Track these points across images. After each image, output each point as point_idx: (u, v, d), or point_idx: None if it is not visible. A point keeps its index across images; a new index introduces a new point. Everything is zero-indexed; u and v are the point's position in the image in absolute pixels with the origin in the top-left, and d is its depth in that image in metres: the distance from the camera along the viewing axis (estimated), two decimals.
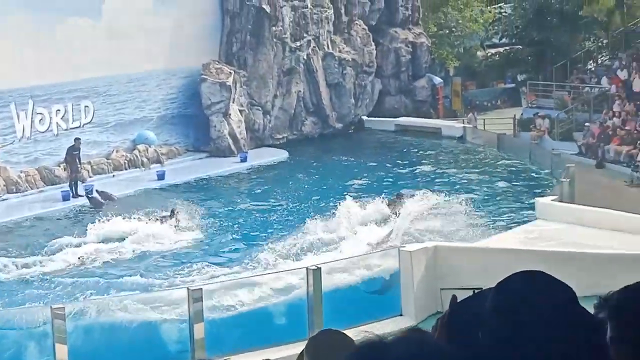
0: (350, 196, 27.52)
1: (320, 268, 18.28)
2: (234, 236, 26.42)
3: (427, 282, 19.38)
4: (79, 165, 31.64)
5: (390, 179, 32.52)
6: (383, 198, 27.89)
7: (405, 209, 26.48)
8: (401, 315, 19.40)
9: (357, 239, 24.93)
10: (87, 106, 34.22)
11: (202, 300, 16.69)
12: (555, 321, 2.16)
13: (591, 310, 2.84)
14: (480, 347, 2.20)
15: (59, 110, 33.33)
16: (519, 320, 2.15)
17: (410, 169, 34.43)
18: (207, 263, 23.37)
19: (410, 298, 19.30)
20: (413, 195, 27.63)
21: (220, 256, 24.46)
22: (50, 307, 16.23)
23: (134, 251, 24.89)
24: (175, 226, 26.77)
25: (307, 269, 18.33)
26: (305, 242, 24.80)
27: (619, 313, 3.11)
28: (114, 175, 33.62)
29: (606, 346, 2.87)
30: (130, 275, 22.51)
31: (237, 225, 27.48)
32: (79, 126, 33.82)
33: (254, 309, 19.25)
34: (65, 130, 33.38)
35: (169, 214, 27.29)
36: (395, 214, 26.46)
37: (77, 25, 33.42)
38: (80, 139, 32.24)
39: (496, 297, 2.21)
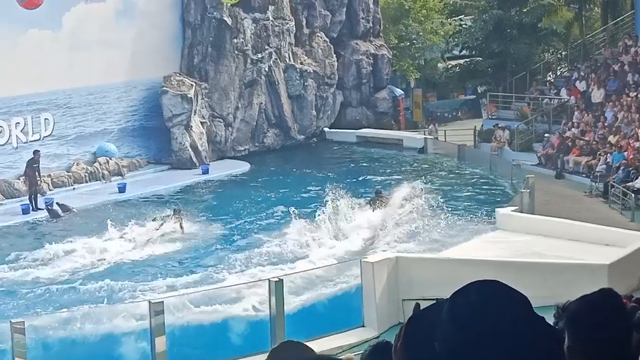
0: (298, 213, 27.66)
1: (282, 280, 18.31)
2: (196, 248, 26.33)
3: (389, 293, 19.45)
4: (38, 178, 31.40)
5: (353, 190, 32.52)
6: (358, 199, 28.15)
7: (389, 208, 27.21)
8: (363, 326, 19.47)
9: (320, 251, 25.01)
10: (47, 119, 34.00)
11: (163, 313, 16.65)
12: (510, 331, 2.16)
13: (551, 319, 2.89)
14: (436, 357, 2.20)
15: (18, 123, 33.10)
16: (474, 330, 2.15)
17: (372, 179, 34.49)
18: (169, 275, 23.29)
19: (372, 309, 19.36)
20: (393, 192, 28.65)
21: (182, 268, 24.36)
22: (10, 321, 16.11)
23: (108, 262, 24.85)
24: (180, 226, 27.37)
25: (269, 280, 18.35)
26: (266, 254, 24.81)
27: (576, 322, 3.17)
28: (74, 188, 33.42)
29: (563, 355, 2.92)
30: (96, 282, 22.40)
31: (198, 237, 27.40)
32: (39, 139, 33.60)
33: (215, 321, 19.22)
34: (25, 143, 33.14)
35: (171, 214, 27.92)
36: (380, 207, 27.41)
37: (37, 37, 33.22)
38: (39, 151, 32.01)
39: (451, 307, 2.21)
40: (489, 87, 48.46)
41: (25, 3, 26.03)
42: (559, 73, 47.41)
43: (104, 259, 24.99)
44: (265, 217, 29.06)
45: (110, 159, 35.20)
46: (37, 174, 31.34)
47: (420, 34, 50.27)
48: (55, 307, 20.57)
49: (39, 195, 31.15)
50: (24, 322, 16.10)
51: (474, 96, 52.78)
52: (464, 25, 50.01)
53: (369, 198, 29.11)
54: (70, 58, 34.10)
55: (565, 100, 39.77)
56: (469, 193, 31.63)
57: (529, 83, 44.31)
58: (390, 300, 19.36)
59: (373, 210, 27.55)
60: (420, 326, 2.32)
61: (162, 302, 17.12)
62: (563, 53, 49.02)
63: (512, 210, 25.45)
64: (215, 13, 38.16)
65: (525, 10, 46.67)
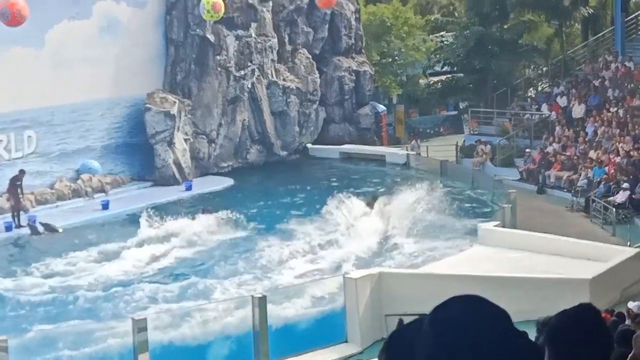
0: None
1: (266, 296, 18.35)
2: (180, 264, 26.33)
3: (372, 308, 19.51)
4: (20, 196, 31.35)
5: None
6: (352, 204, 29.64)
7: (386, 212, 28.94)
8: (346, 342, 19.51)
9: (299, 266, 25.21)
10: (30, 136, 33.95)
11: (146, 330, 16.66)
12: (491, 346, 2.16)
13: (534, 334, 2.95)
14: None
15: (1, 140, 33.03)
16: (455, 346, 2.15)
17: (356, 195, 34.57)
18: (155, 290, 23.29)
19: (355, 324, 19.41)
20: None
21: (165, 284, 24.35)
22: None
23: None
24: (222, 219, 28.99)
25: (252, 296, 18.39)
26: (251, 269, 24.86)
27: (555, 338, 3.25)
28: (57, 206, 33.34)
29: None
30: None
31: (182, 253, 27.41)
32: (22, 156, 33.54)
33: (199, 337, 19.22)
34: (8, 160, 33.06)
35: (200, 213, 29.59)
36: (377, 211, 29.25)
37: (20, 55, 33.17)
38: (24, 171, 31.87)
39: (432, 323, 2.21)
40: (470, 102, 48.67)
41: (8, 21, 25.98)
42: (540, 89, 47.68)
43: (92, 276, 24.99)
44: (251, 232, 29.12)
45: (94, 176, 35.15)
46: (19, 191, 31.29)
47: (402, 50, 50.48)
48: (41, 324, 20.56)
49: (22, 212, 31.11)
50: (7, 339, 16.09)
51: (456, 112, 52.99)
52: (445, 42, 50.22)
53: (365, 202, 30.08)
54: (53, 75, 34.06)
55: (546, 115, 40.00)
56: (452, 208, 31.72)
57: (510, 99, 44.52)
58: (374, 315, 19.42)
59: (370, 214, 28.94)
60: (403, 342, 2.32)
61: (145, 319, 17.13)
62: (544, 69, 49.33)
63: (494, 226, 25.57)
64: (198, 30, 38.25)
65: (506, 26, 46.91)
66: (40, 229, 29.98)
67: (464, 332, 2.19)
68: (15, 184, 31.28)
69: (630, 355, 6.49)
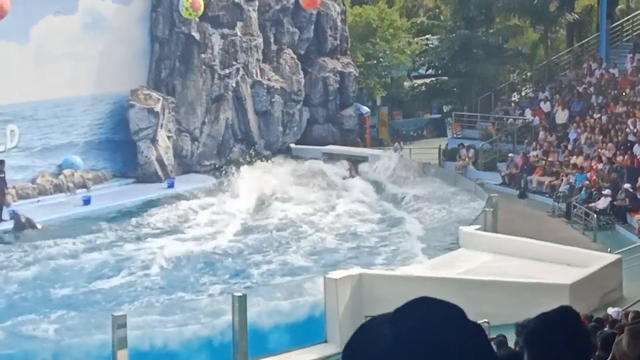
0: None
1: (246, 295, 18.35)
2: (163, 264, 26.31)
3: (352, 309, 19.54)
4: (5, 189, 31.21)
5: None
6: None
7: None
8: (326, 342, 19.53)
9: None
10: (12, 130, 33.83)
11: (125, 326, 16.64)
12: (453, 348, 2.10)
13: (512, 338, 2.96)
14: None
15: None
16: (418, 347, 2.09)
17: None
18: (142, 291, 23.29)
19: (335, 325, 19.43)
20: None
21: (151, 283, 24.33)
22: None
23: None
24: None
25: (232, 295, 18.37)
26: (234, 268, 24.90)
27: (534, 339, 3.26)
28: (39, 201, 33.22)
29: None
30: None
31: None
32: (4, 150, 33.41)
33: (180, 334, 19.22)
34: None
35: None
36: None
37: (3, 49, 33.04)
38: (4, 161, 31.75)
39: (394, 325, 2.15)
40: (454, 106, 48.74)
41: None
42: (523, 94, 47.80)
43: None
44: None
45: (76, 171, 35.03)
46: (1, 184, 31.13)
47: (387, 52, 50.51)
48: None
49: (4, 206, 30.94)
50: None
51: (440, 115, 53.04)
52: (430, 45, 50.33)
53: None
54: (37, 70, 33.96)
55: (530, 120, 40.11)
56: (434, 210, 31.79)
57: (494, 103, 44.62)
58: (354, 316, 19.44)
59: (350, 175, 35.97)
60: (363, 340, 2.25)
61: (125, 315, 17.11)
62: (528, 74, 49.45)
63: (476, 229, 25.62)
64: (183, 28, 38.19)
65: (491, 31, 47.05)
66: (24, 220, 29.76)
67: (424, 334, 2.11)
68: None
69: (609, 357, 6.51)
